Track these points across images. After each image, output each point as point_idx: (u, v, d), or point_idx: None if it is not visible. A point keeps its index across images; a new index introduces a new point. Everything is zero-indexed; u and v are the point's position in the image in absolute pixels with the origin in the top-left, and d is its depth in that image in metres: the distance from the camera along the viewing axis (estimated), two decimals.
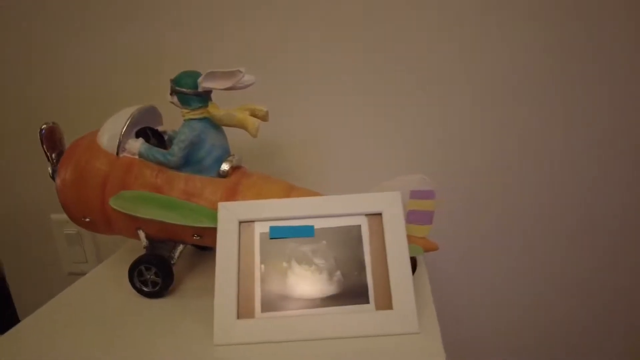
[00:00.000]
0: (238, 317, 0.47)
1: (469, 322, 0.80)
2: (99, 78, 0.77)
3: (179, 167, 0.54)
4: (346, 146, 0.74)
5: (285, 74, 0.72)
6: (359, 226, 0.51)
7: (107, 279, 0.62)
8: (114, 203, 0.52)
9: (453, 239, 0.76)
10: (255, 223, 0.51)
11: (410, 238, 0.55)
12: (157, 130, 0.60)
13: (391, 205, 0.51)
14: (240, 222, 0.51)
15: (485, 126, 0.70)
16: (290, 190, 0.56)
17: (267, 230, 0.51)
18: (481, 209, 0.74)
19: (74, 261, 0.86)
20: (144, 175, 0.54)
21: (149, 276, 0.55)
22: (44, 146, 0.58)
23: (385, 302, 0.48)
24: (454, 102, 0.70)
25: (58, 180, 0.56)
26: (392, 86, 0.71)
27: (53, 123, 0.59)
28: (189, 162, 0.54)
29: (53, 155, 0.59)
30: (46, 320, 0.53)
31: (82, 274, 0.65)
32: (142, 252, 0.56)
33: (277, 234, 0.51)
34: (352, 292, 0.48)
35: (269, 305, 0.48)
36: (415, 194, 0.54)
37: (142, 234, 0.56)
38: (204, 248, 0.69)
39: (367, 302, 0.48)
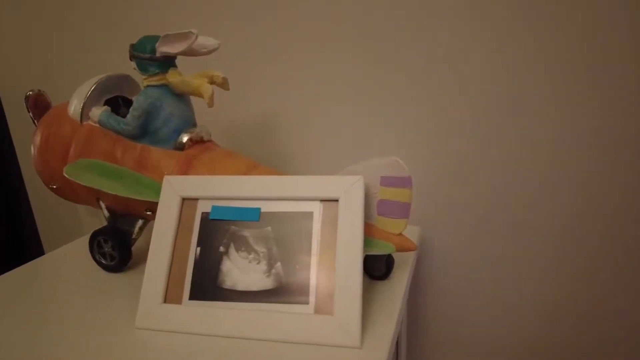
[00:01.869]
0: (164, 302, 0.43)
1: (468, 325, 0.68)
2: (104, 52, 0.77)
3: (135, 137, 0.51)
4: (345, 134, 0.67)
5: (288, 63, 0.66)
6: (311, 213, 0.44)
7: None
8: (66, 170, 0.50)
9: (447, 235, 0.66)
10: (199, 201, 0.46)
11: (382, 233, 0.46)
12: (130, 99, 0.57)
13: (350, 192, 0.43)
14: (184, 199, 0.46)
15: (473, 122, 0.60)
16: (251, 169, 0.50)
17: (210, 209, 0.46)
18: (478, 208, 0.63)
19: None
20: (102, 144, 0.52)
21: (106, 249, 0.53)
22: (30, 113, 0.59)
23: (327, 306, 0.40)
24: (441, 94, 0.61)
25: (32, 146, 0.56)
26: (388, 77, 0.62)
27: (39, 90, 0.59)
28: (146, 132, 0.50)
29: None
30: (26, 272, 0.55)
31: None
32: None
33: (218, 214, 0.45)
34: (290, 289, 0.41)
35: (198, 292, 0.43)
36: (387, 181, 0.45)
37: (103, 205, 0.54)
38: None
39: (306, 302, 0.41)
